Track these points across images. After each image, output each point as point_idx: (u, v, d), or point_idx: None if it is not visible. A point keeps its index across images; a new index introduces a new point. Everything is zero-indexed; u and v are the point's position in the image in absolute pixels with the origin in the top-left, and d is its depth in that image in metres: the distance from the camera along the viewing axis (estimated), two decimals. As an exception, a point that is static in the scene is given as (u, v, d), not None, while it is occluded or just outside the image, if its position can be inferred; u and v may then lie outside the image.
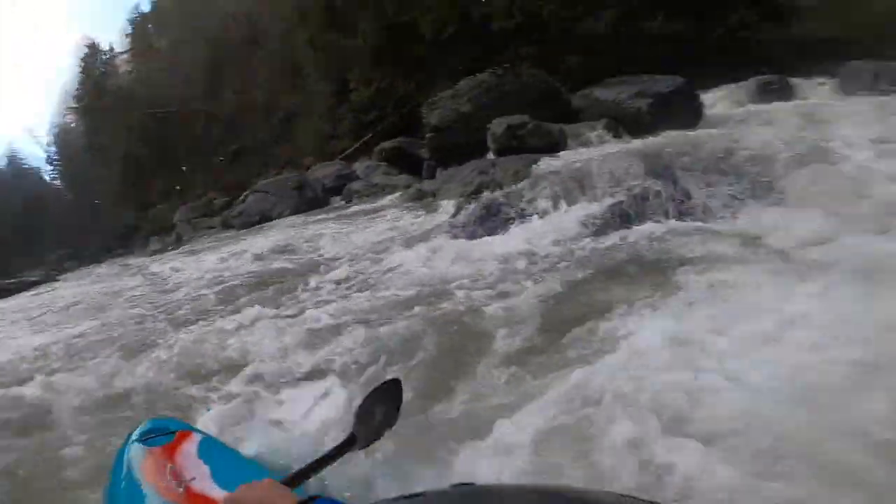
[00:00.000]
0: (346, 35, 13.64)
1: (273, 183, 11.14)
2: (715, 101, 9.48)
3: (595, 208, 3.55)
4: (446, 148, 8.55)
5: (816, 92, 10.09)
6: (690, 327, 1.86)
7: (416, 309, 2.80)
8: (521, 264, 3.21)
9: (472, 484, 0.73)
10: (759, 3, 14.88)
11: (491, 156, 7.50)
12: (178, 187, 21.00)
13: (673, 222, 3.33)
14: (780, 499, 1.13)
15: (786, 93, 9.96)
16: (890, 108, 5.36)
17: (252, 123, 21.03)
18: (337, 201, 10.90)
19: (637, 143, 5.65)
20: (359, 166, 12.19)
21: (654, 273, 2.66)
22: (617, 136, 7.06)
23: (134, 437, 1.27)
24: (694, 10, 13.35)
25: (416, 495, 0.71)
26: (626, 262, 2.93)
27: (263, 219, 10.20)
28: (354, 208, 9.05)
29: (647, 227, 3.32)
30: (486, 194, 4.63)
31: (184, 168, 22.02)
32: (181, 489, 1.05)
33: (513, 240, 3.66)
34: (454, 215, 4.52)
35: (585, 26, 11.85)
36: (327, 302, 3.31)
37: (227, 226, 11.49)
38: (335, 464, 1.11)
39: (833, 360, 1.48)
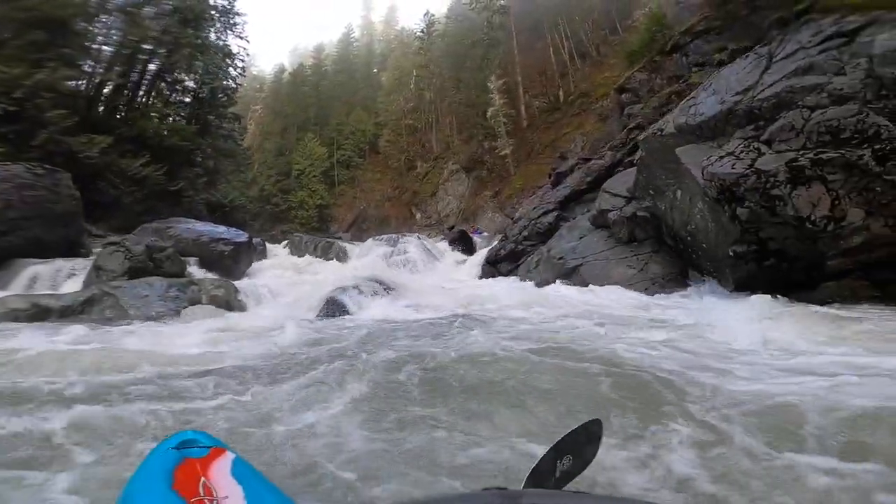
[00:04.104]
0: None
1: None
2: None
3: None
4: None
5: (279, 251, 13.87)
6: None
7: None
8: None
9: (504, 489, 0.76)
10: (196, 165, 17.95)
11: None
12: None
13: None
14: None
15: (264, 252, 13.01)
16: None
17: None
18: None
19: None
20: None
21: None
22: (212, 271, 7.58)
23: (170, 444, 1.26)
24: (169, 160, 14.76)
25: (447, 498, 0.83)
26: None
27: None
28: None
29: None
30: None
31: None
32: None
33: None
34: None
35: (79, 142, 10.79)
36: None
37: None
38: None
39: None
